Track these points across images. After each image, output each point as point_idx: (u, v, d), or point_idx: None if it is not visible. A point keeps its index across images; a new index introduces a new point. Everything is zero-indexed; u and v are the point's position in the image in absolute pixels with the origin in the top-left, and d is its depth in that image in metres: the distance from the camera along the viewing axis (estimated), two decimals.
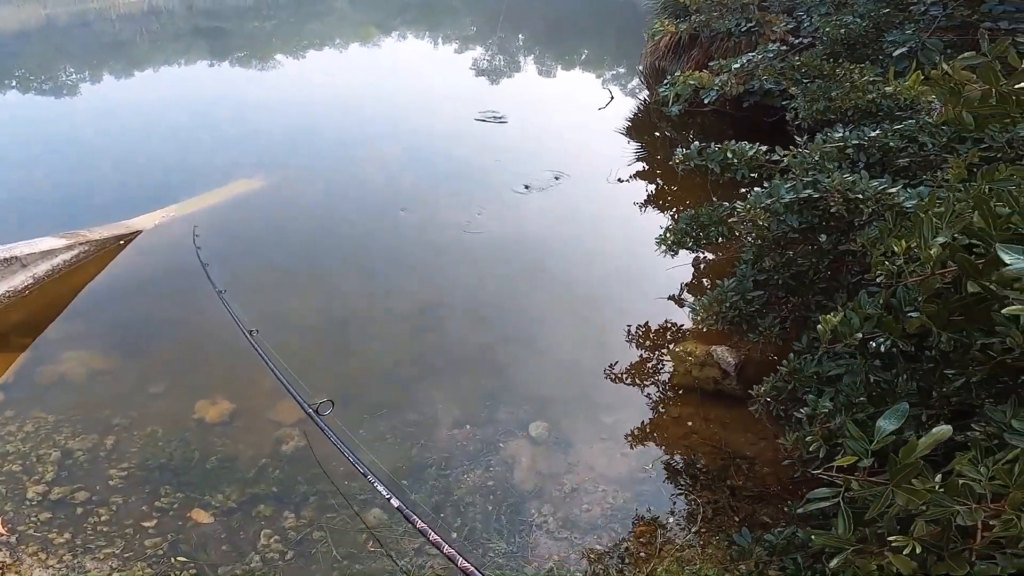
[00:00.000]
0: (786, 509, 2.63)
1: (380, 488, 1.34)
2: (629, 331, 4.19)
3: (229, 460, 3.18)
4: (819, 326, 2.12)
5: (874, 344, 2.08)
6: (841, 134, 2.97)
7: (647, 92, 9.24)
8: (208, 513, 2.90)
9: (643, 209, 6.02)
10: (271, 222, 5.67)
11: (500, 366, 3.98)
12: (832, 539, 1.63)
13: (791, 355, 2.73)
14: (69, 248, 4.24)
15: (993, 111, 1.83)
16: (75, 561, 2.60)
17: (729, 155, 3.20)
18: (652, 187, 6.57)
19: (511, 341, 4.20)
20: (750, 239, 3.24)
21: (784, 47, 5.15)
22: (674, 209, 5.93)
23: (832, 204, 2.58)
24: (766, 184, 2.99)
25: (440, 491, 3.10)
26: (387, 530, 2.90)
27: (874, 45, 4.14)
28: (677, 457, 3.27)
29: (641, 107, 9.08)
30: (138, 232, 4.76)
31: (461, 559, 1.17)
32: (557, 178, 6.43)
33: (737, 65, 4.98)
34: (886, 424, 1.61)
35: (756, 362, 3.61)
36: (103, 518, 2.82)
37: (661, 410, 3.58)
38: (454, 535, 2.91)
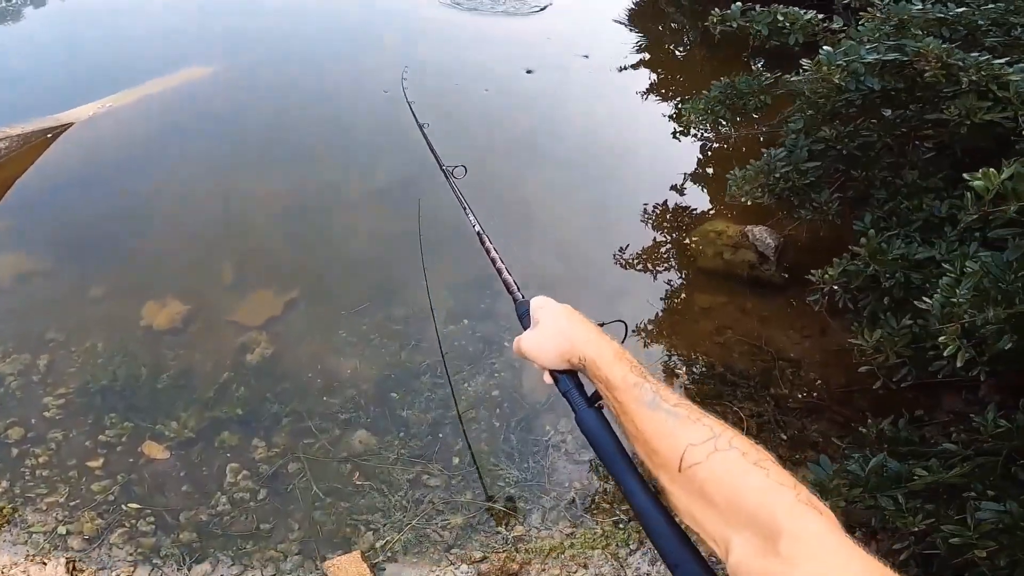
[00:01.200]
0: (862, 429, 2.09)
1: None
2: (645, 210, 3.46)
3: (183, 377, 2.67)
4: (975, 182, 1.60)
5: None
6: (920, 6, 2.38)
7: None
8: (162, 446, 2.44)
9: (645, 97, 4.91)
10: (229, 106, 4.64)
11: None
12: None
13: (870, 232, 2.21)
14: None
15: None
16: (15, 515, 2.19)
17: (780, 17, 2.70)
18: (658, 76, 5.34)
19: (510, 219, 3.50)
20: (803, 108, 2.71)
21: None
22: (677, 98, 4.87)
23: (927, 68, 2.11)
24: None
25: (438, 404, 2.61)
26: (375, 458, 2.45)
27: None
28: (710, 357, 2.71)
29: None
30: (68, 125, 3.93)
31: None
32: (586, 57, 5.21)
33: None
34: None
35: (799, 245, 2.95)
36: (41, 459, 2.36)
37: (688, 299, 2.97)
38: (456, 460, 2.46)
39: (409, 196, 3.55)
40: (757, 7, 2.77)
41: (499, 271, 1.15)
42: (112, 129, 3.92)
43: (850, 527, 1.82)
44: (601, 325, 0.88)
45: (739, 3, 2.76)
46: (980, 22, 2.32)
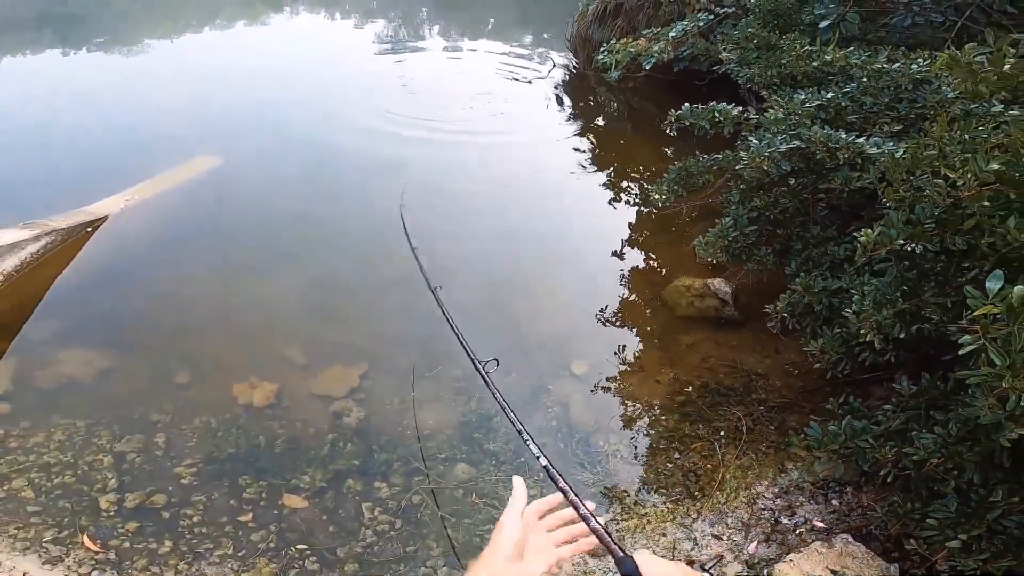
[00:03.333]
0: (828, 407, 2.95)
1: (532, 446, 1.38)
2: (622, 274, 4.37)
3: (295, 442, 2.97)
4: (861, 238, 2.42)
5: (909, 248, 2.39)
6: (803, 96, 3.36)
7: (574, 60, 8.96)
8: (300, 497, 2.73)
9: (594, 170, 6.09)
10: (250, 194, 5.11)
11: (510, 315, 4.01)
12: (988, 374, 1.77)
13: (801, 275, 3.12)
14: (36, 239, 3.52)
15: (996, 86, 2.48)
16: (192, 570, 2.35)
17: (716, 114, 3.59)
18: (594, 148, 6.63)
19: (513, 290, 4.23)
20: (735, 184, 3.65)
21: (711, 16, 5.56)
22: (615, 166, 6.13)
23: (817, 152, 2.98)
24: (740, 141, 3.50)
25: (514, 437, 3.14)
26: (480, 482, 2.92)
27: (796, 16, 4.49)
28: (703, 378, 3.55)
29: (572, 74, 8.79)
30: (104, 218, 4.04)
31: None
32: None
33: (673, 33, 5.38)
34: (993, 284, 1.79)
35: (747, 290, 3.95)
36: (195, 519, 2.54)
37: (675, 339, 3.83)
38: (536, 476, 2.99)
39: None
40: (700, 105, 3.59)
41: (594, 531, 1.06)
42: (143, 222, 4.09)
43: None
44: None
45: (687, 104, 3.62)
46: (843, 103, 3.27)
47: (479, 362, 2.44)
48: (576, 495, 1.14)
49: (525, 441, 1.55)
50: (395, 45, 10.70)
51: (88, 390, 3.06)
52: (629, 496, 2.93)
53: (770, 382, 3.52)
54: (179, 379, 3.18)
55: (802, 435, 2.76)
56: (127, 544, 2.38)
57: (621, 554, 0.97)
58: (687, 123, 3.68)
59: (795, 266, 3.27)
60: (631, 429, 3.25)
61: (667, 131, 3.72)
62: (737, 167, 3.44)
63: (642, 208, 5.23)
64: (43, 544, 2.28)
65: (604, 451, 3.13)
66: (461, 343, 2.87)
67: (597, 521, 1.08)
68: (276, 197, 5.12)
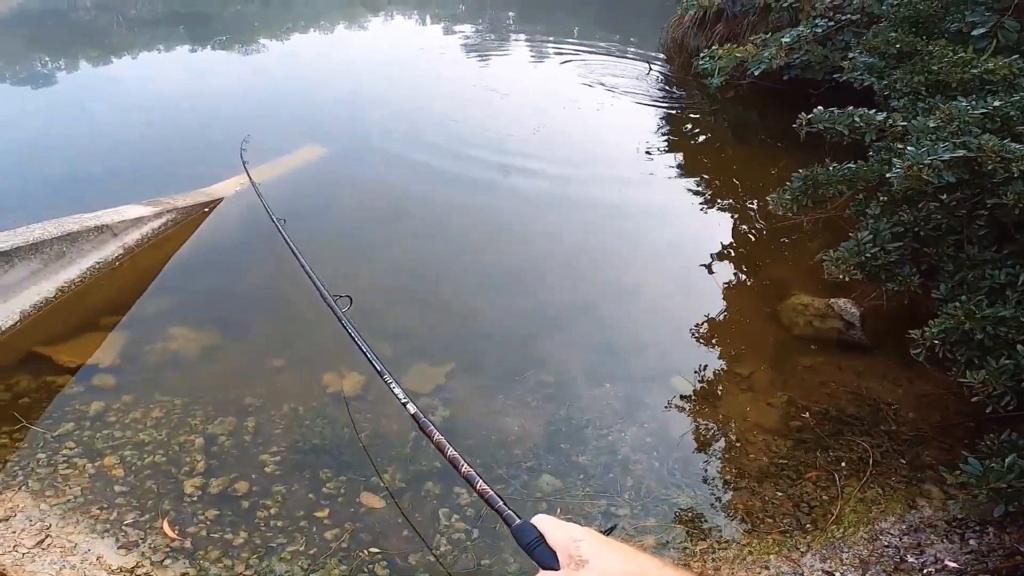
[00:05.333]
0: (986, 444, 2.45)
1: (397, 390, 1.38)
2: (730, 289, 3.94)
3: (379, 436, 2.83)
4: None
5: None
6: (965, 103, 2.92)
7: (669, 66, 8.64)
8: (378, 496, 2.57)
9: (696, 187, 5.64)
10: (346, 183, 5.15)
11: (609, 324, 3.69)
12: None
13: (961, 300, 2.65)
14: (158, 216, 3.66)
15: None
16: (262, 565, 2.25)
17: (857, 119, 3.23)
18: (695, 157, 6.15)
19: (608, 299, 3.91)
20: (874, 196, 3.23)
21: (831, 23, 5.10)
22: (717, 176, 5.61)
23: (988, 163, 2.59)
24: (873, 151, 3.24)
25: (605, 451, 2.85)
26: (567, 495, 2.64)
27: (939, 24, 3.95)
28: (824, 404, 3.07)
29: (667, 79, 8.33)
30: (220, 199, 4.16)
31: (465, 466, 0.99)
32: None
33: (787, 39, 4.99)
34: None
35: (878, 313, 3.42)
36: (272, 511, 2.45)
37: (793, 360, 3.36)
38: (627, 495, 2.67)
39: (530, 277, 3.96)
40: (835, 110, 3.25)
41: (481, 493, 1.01)
42: (254, 205, 4.14)
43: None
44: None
45: (820, 108, 3.26)
46: (1011, 113, 2.84)
47: (331, 296, 2.28)
48: (456, 450, 1.07)
49: (388, 384, 1.53)
50: (481, 48, 10.76)
51: (190, 368, 3.07)
52: (729, 524, 2.57)
53: (902, 414, 3.00)
54: (275, 363, 3.14)
55: (957, 471, 2.35)
56: (204, 532, 2.32)
57: (518, 520, 0.84)
58: (820, 127, 3.28)
59: (946, 289, 2.82)
60: (736, 453, 2.87)
61: (799, 134, 3.38)
62: (888, 175, 2.97)
63: (751, 221, 4.73)
64: (123, 527, 2.26)
65: (704, 474, 2.77)
66: (312, 280, 2.62)
67: (485, 482, 0.98)
68: (377, 188, 5.11)
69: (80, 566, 2.12)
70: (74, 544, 2.20)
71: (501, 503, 0.96)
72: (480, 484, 1.03)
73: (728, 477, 2.76)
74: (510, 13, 14.81)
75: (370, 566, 2.34)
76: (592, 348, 3.48)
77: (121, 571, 2.14)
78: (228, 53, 10.05)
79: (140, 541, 2.21)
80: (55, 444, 2.60)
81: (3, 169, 5.05)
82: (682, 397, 3.14)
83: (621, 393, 3.15)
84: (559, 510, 2.59)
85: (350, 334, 2.07)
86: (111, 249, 3.45)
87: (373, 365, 1.77)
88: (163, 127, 6.15)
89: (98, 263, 3.37)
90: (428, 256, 4.26)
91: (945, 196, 2.98)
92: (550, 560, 0.75)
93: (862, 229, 3.11)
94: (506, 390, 3.14)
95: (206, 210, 4.05)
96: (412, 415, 1.27)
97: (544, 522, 0.79)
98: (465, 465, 1.11)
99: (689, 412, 3.07)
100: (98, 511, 2.30)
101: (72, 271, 3.26)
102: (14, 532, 2.14)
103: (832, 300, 3.42)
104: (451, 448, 1.12)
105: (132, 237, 3.56)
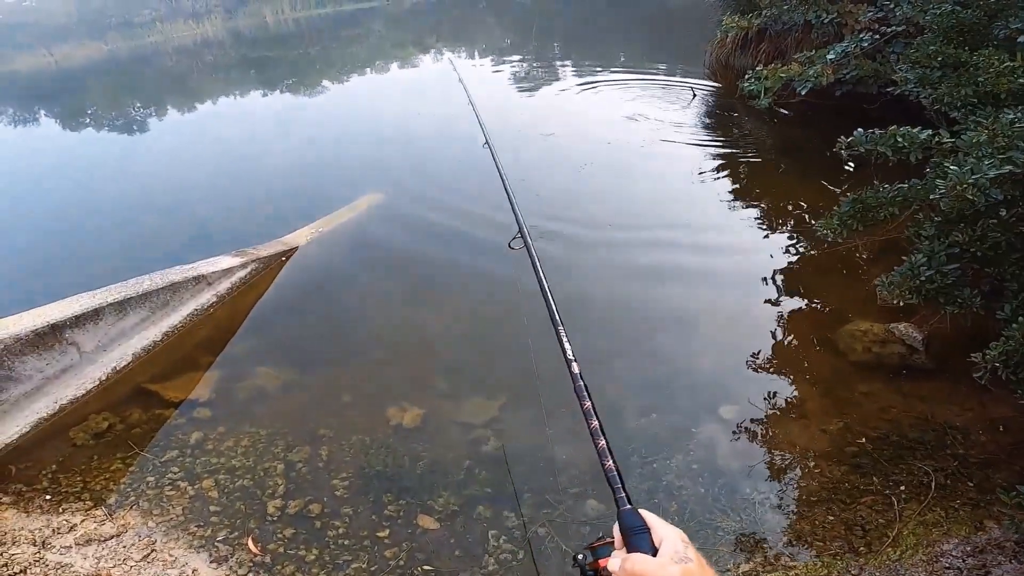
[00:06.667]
0: None
1: (566, 345, 1.41)
2: (782, 315, 3.88)
3: (436, 464, 3.04)
4: None
5: None
6: (1012, 116, 2.74)
7: (715, 88, 8.57)
8: (433, 518, 2.77)
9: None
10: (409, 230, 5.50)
11: (655, 351, 3.74)
12: None
13: (1020, 319, 2.51)
14: (244, 266, 4.15)
15: None
16: None
17: (899, 139, 3.07)
18: (746, 180, 6.08)
19: (655, 327, 3.95)
20: (928, 217, 3.10)
21: (876, 36, 4.93)
22: (769, 200, 5.53)
23: None
24: (929, 168, 3.02)
25: (649, 477, 2.91)
26: (611, 519, 2.71)
27: (985, 31, 3.75)
28: (883, 430, 2.98)
29: (714, 102, 8.28)
30: (295, 248, 4.63)
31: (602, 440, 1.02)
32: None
33: (831, 56, 4.84)
34: None
35: (942, 336, 3.29)
36: (340, 531, 2.70)
37: (849, 386, 3.28)
38: (671, 520, 2.70)
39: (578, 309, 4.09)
40: (876, 130, 3.10)
41: (607, 471, 1.09)
42: (324, 254, 4.55)
43: None
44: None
45: (860, 130, 3.12)
46: None
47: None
48: (599, 421, 1.13)
49: (560, 336, 1.44)
50: (531, 81, 11.03)
51: (273, 403, 3.43)
52: (775, 547, 2.56)
53: (972, 437, 2.87)
54: (345, 398, 3.44)
55: (1013, 492, 2.25)
56: (281, 549, 2.59)
57: (628, 506, 0.93)
58: (861, 150, 3.19)
59: (1010, 310, 2.69)
60: (786, 478, 2.84)
61: (841, 159, 3.25)
62: (931, 197, 2.89)
63: (806, 246, 4.61)
64: (215, 543, 2.57)
65: (751, 499, 2.77)
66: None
67: (614, 460, 1.04)
68: (428, 235, 5.33)
69: None
70: (174, 558, 2.53)
71: (620, 485, 1.03)
72: (608, 463, 1.09)
73: (777, 502, 2.74)
74: (555, 45, 15.14)
75: None
76: (641, 379, 3.54)
77: None
78: (295, 97, 11.02)
79: (229, 556, 2.52)
80: (162, 469, 2.99)
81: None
82: (730, 425, 3.14)
83: (667, 422, 3.20)
84: (601, 534, 2.67)
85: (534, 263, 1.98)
86: (206, 297, 3.93)
87: (550, 309, 1.70)
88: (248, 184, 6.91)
89: (196, 310, 3.85)
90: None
91: (1004, 212, 2.85)
92: (647, 548, 0.85)
93: (917, 252, 3.02)
94: (554, 422, 3.26)
95: (283, 259, 4.49)
96: (572, 374, 1.33)
97: (651, 517, 0.90)
98: (603, 440, 1.16)
99: (737, 439, 3.07)
100: (195, 528, 2.64)
101: (174, 318, 3.74)
102: (124, 547, 2.50)
103: (893, 325, 3.32)
104: (596, 419, 1.19)
105: (223, 286, 4.03)
